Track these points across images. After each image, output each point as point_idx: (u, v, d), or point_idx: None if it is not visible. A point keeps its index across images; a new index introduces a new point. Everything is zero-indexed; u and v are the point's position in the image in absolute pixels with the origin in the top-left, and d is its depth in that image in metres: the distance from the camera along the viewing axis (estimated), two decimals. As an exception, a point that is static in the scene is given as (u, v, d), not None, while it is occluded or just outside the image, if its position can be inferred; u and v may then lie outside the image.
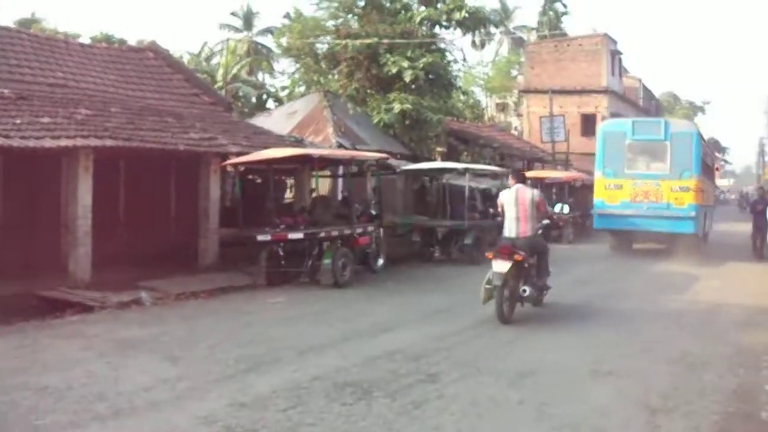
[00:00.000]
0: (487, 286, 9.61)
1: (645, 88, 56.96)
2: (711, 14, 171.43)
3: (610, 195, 19.02)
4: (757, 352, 8.64)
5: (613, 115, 41.79)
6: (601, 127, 22.23)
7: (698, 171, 18.88)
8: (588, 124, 41.98)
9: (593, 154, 37.93)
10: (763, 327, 10.34)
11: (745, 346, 8.95)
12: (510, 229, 9.98)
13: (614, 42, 45.32)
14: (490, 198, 21.95)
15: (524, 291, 9.80)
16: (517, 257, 9.53)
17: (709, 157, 25.03)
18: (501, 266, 9.44)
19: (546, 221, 11.09)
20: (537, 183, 25.96)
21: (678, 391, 6.81)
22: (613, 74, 45.09)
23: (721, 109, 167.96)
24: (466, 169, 18.39)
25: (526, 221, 9.97)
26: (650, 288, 13.78)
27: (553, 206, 20.10)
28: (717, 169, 38.05)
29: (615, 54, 45.65)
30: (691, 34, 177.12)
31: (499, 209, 10.42)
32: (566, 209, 23.73)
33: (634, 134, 19.20)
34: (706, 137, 52.55)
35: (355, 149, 18.21)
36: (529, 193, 10.08)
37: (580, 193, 30.34)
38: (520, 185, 10.29)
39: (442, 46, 24.62)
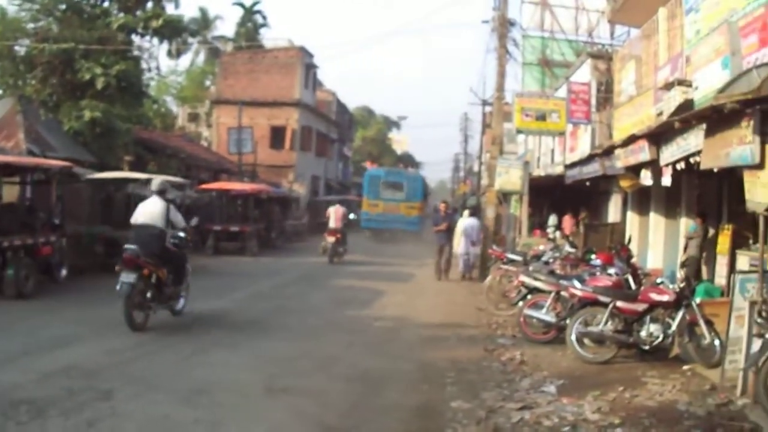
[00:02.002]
0: (322, 250, 24.86)
1: (339, 102, 62.02)
2: (411, 37, 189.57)
3: (372, 209, 37.60)
4: (441, 368, 9.29)
5: (304, 127, 47.44)
6: (367, 172, 43.36)
7: (421, 197, 39.31)
8: (278, 136, 45.89)
9: (282, 167, 44.63)
10: (447, 343, 11.27)
11: (428, 362, 9.66)
12: (332, 224, 24.44)
13: (310, 55, 49.04)
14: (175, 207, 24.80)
15: (341, 249, 24.78)
16: (338, 236, 24.35)
17: (427, 189, 48.07)
18: (330, 238, 24.33)
19: (347, 220, 25.62)
20: (222, 194, 29.98)
21: (357, 409, 7.21)
22: (307, 87, 48.86)
23: (416, 124, 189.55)
24: (149, 180, 20.28)
25: (339, 221, 24.68)
26: (334, 303, 15.08)
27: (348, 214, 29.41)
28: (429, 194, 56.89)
29: (310, 67, 49.55)
30: (392, 53, 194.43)
31: (327, 214, 25.24)
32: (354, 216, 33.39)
33: (386, 176, 38.94)
34: (400, 152, 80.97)
35: (45, 156, 19.25)
36: (342, 209, 25.23)
37: (266, 205, 33.21)
38: (338, 205, 25.75)
39: (138, 53, 26.77)
